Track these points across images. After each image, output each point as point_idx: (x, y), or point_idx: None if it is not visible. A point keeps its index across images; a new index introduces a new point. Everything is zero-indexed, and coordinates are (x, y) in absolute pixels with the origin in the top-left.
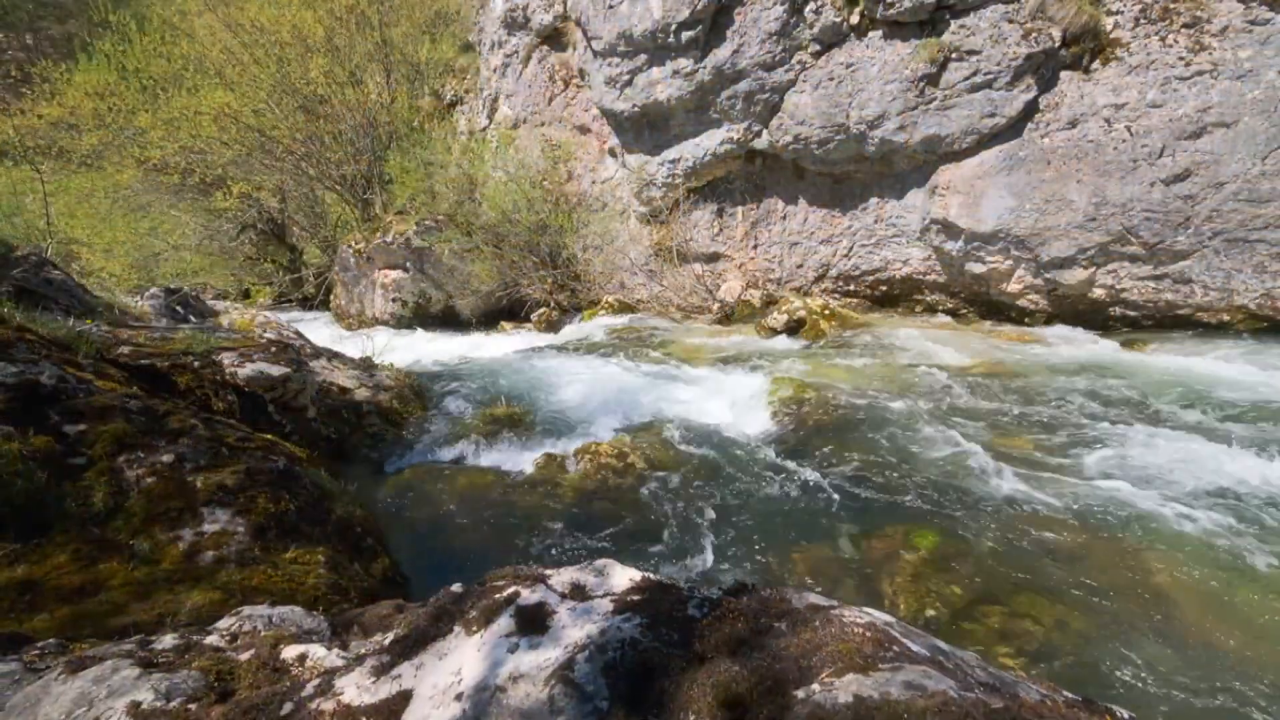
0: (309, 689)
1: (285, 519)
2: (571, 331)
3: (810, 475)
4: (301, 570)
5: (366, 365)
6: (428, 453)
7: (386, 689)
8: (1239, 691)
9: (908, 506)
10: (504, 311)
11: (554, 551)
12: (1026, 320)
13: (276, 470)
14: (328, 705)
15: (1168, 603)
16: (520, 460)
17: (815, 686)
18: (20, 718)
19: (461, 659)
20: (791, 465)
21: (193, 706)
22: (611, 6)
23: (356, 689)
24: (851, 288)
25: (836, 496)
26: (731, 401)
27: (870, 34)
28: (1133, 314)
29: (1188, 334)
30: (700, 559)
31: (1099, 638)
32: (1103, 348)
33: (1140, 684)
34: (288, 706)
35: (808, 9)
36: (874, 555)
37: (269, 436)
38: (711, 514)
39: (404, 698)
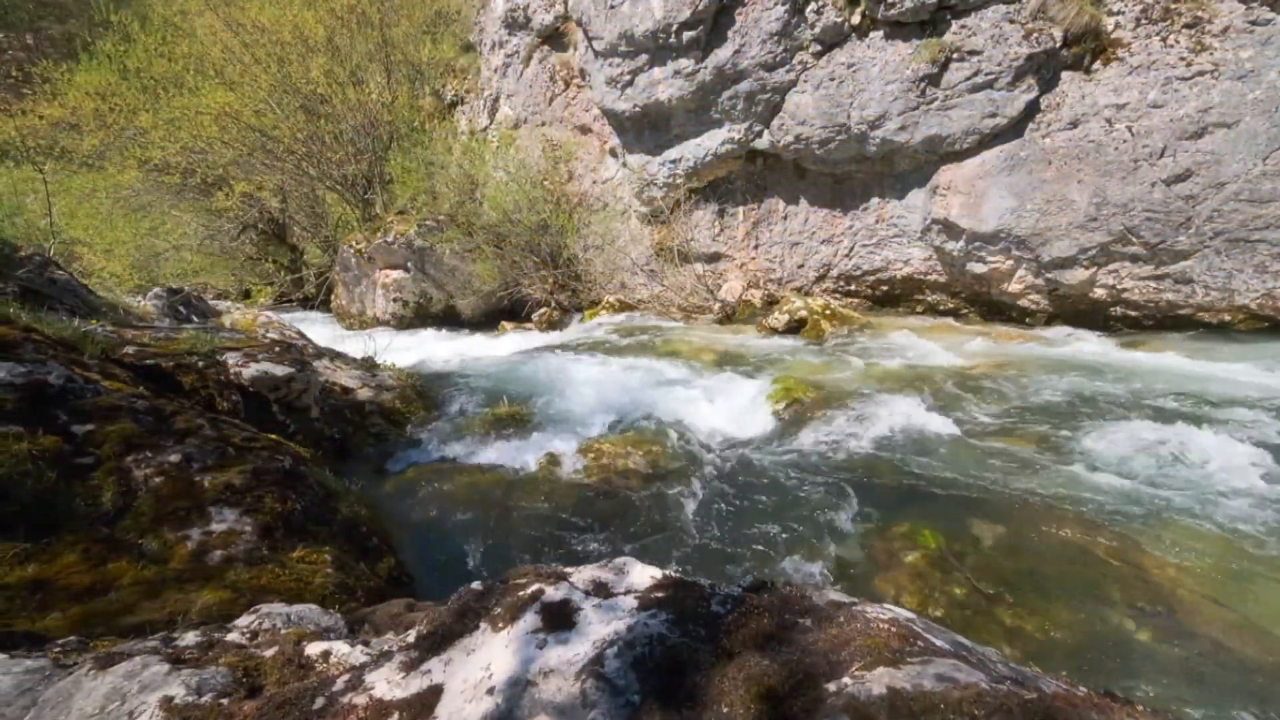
0: (339, 684)
1: (292, 519)
2: (572, 331)
3: (812, 474)
4: (309, 570)
5: (368, 365)
6: (431, 452)
7: (417, 684)
8: (1243, 685)
9: (910, 505)
10: (505, 311)
11: (559, 550)
12: (1028, 320)
13: (282, 470)
14: (360, 699)
15: (1171, 599)
16: (523, 459)
17: (847, 680)
18: (54, 712)
19: (490, 655)
20: (793, 465)
21: (224, 701)
22: (613, 6)
23: (387, 684)
24: (853, 288)
25: (839, 496)
26: (733, 401)
27: (871, 34)
28: (1134, 314)
29: (1188, 334)
30: (704, 557)
31: (1103, 634)
32: (1104, 347)
33: (1145, 679)
34: (320, 701)
35: (809, 9)
36: (877, 554)
37: (273, 436)
38: (714, 513)
39: (435, 692)
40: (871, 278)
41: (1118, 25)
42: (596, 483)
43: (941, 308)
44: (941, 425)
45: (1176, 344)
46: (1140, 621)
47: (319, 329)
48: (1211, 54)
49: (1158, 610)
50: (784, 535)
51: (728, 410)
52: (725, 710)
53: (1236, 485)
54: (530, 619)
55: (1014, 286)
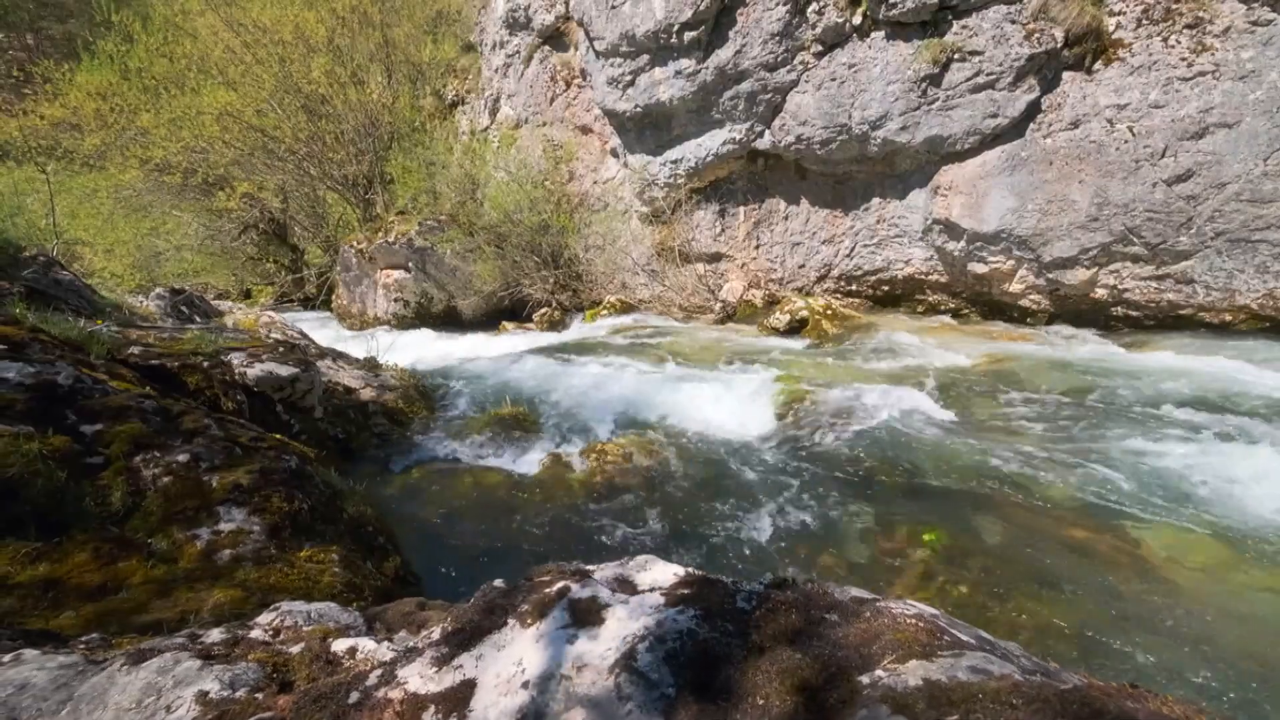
0: (372, 679)
1: (299, 518)
2: (574, 331)
3: (815, 474)
4: (317, 569)
5: (371, 365)
6: (434, 452)
7: (450, 678)
8: (1248, 682)
9: (914, 505)
10: (506, 311)
11: (564, 550)
12: (1029, 320)
13: (289, 470)
14: (395, 694)
15: (1174, 597)
16: (526, 460)
17: (880, 672)
18: (90, 706)
19: (521, 650)
20: (796, 464)
21: (259, 696)
22: (614, 7)
23: (420, 678)
24: (854, 288)
25: (842, 495)
26: (735, 401)
27: (873, 34)
28: (1135, 314)
29: (1189, 334)
30: (710, 556)
31: (1108, 632)
32: (1105, 348)
33: (1150, 676)
34: (354, 695)
35: (810, 9)
36: (882, 553)
37: (279, 436)
38: (718, 513)
39: (469, 686)
40: (873, 278)
41: (1119, 26)
42: (600, 483)
43: (943, 308)
44: (944, 425)
45: (1178, 344)
46: (1145, 620)
47: (320, 329)
48: (1212, 54)
49: (1160, 606)
50: (788, 535)
51: (730, 410)
52: (761, 702)
53: (1238, 484)
54: (559, 615)
55: (1015, 286)
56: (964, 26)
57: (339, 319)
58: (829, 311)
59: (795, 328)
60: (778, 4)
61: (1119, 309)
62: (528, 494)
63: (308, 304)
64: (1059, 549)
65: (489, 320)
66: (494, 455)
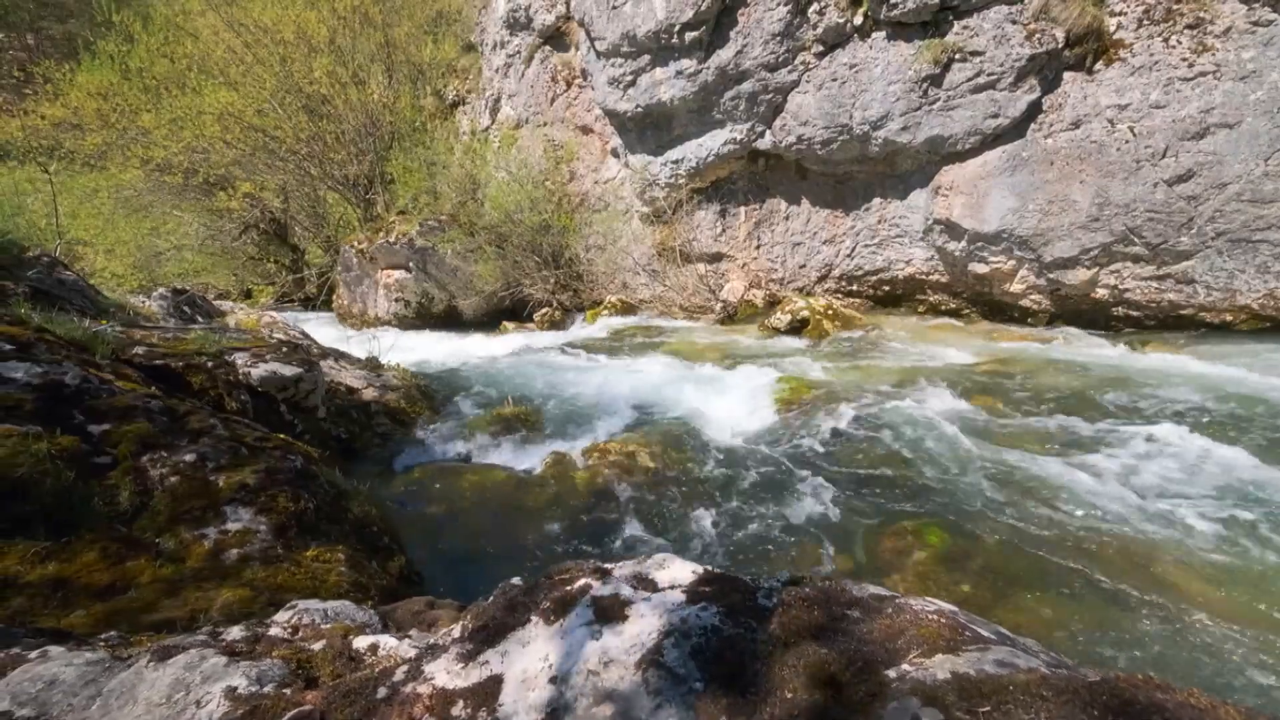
0: (399, 674)
1: (305, 518)
2: (574, 331)
3: (816, 474)
4: (324, 568)
5: (373, 365)
6: (436, 452)
7: (477, 674)
8: (1252, 680)
9: (915, 505)
10: (506, 311)
11: (567, 549)
12: (1029, 320)
13: (294, 470)
14: (423, 689)
15: (1175, 599)
16: (529, 459)
17: (906, 666)
18: (120, 701)
19: (547, 646)
20: (797, 464)
21: (287, 691)
22: (615, 7)
23: (447, 674)
24: (854, 288)
25: (843, 495)
26: (736, 401)
27: (874, 35)
28: (1135, 314)
29: (1190, 334)
30: (714, 556)
31: (1111, 631)
32: (1105, 348)
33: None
34: (383, 690)
35: (811, 9)
36: (883, 553)
37: (283, 436)
38: (720, 512)
39: (496, 681)
40: (873, 278)
41: (1120, 26)
42: (603, 482)
43: (943, 308)
44: (945, 425)
45: (1178, 344)
46: (1148, 619)
47: (321, 329)
48: (1213, 55)
49: (1162, 609)
50: (791, 534)
51: (731, 410)
52: (789, 696)
53: (1237, 485)
54: (582, 612)
55: (1016, 287)
56: (965, 27)
57: (340, 319)
58: (830, 311)
59: (796, 328)
60: (779, 4)
61: (1120, 309)
62: (530, 493)
63: (308, 304)
64: (1061, 549)
65: (490, 320)
66: (496, 454)
